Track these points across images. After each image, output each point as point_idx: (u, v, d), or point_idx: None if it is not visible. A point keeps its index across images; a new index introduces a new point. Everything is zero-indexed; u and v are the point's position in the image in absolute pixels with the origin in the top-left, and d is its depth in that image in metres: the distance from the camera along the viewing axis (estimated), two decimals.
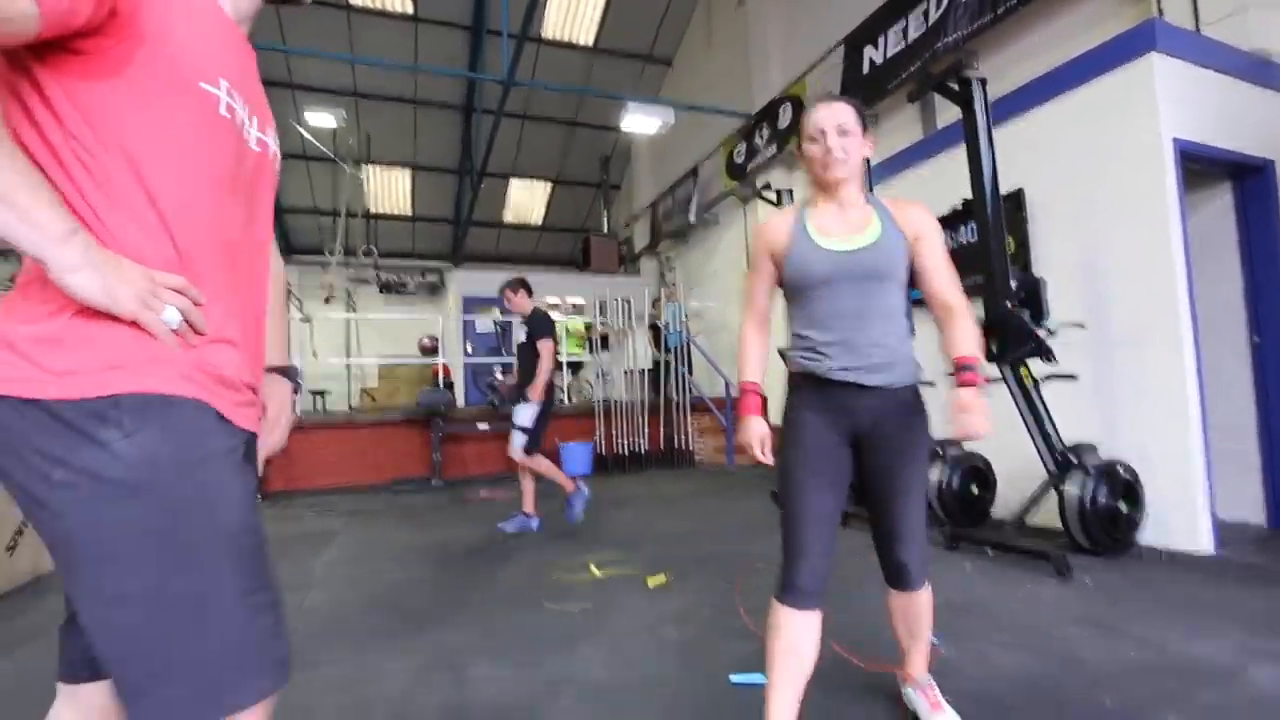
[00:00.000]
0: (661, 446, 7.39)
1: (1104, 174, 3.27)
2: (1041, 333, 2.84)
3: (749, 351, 1.48)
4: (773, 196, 4.87)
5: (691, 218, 9.70)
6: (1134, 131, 3.12)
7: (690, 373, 7.93)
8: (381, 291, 13.51)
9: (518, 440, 3.82)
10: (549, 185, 13.53)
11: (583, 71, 10.97)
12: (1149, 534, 2.96)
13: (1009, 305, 2.89)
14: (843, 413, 1.36)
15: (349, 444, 6.33)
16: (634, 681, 1.82)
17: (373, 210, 12.44)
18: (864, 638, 1.99)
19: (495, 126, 8.43)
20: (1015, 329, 2.85)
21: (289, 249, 13.06)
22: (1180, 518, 2.90)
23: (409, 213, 13.38)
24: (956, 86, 3.05)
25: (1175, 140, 3.02)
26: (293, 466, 6.05)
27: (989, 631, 2.04)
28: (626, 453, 7.10)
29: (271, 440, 0.97)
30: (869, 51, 6.10)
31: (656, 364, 8.08)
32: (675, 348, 7.88)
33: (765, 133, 7.89)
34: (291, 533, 4.20)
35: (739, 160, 8.52)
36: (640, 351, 8.49)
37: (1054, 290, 3.42)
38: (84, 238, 0.64)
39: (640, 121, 7.79)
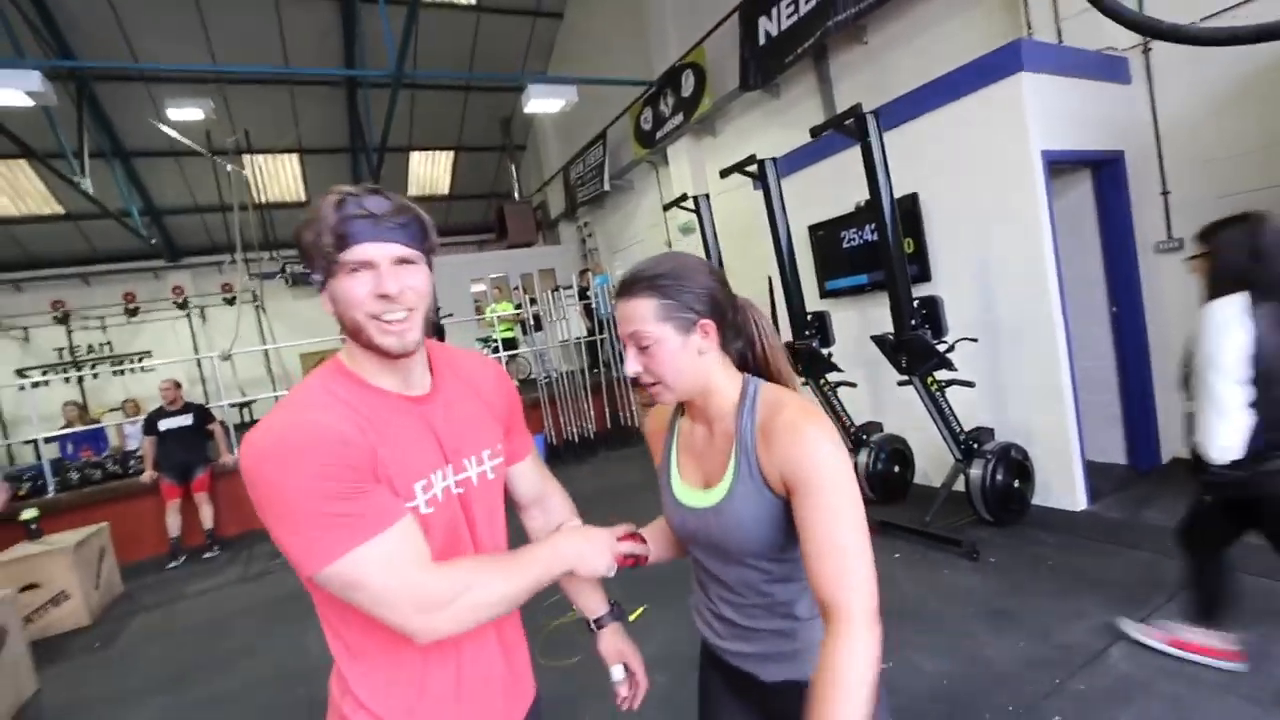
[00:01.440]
0: (608, 424, 7.68)
1: (985, 180, 3.61)
2: (941, 347, 3.23)
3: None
4: (690, 205, 4.98)
5: (605, 185, 9.63)
6: (1008, 143, 3.45)
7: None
8: (289, 285, 12.83)
9: None
10: (451, 154, 12.93)
11: (469, 33, 10.35)
12: (1037, 497, 3.53)
13: (912, 324, 3.26)
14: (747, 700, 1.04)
15: None
16: None
17: (264, 200, 11.58)
18: None
19: (391, 106, 7.95)
20: (919, 348, 3.23)
21: (174, 253, 12.06)
22: (1060, 480, 3.48)
23: (303, 198, 12.53)
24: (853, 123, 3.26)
25: (1044, 152, 3.37)
26: (240, 508, 5.98)
27: (916, 635, 2.48)
28: (576, 439, 7.35)
29: None
30: (764, 23, 6.13)
31: (592, 338, 8.24)
32: (606, 320, 8.02)
33: (670, 100, 7.85)
34: (282, 594, 4.24)
35: (646, 127, 8.47)
36: (574, 325, 8.59)
37: (951, 288, 3.84)
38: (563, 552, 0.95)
39: (543, 104, 7.56)
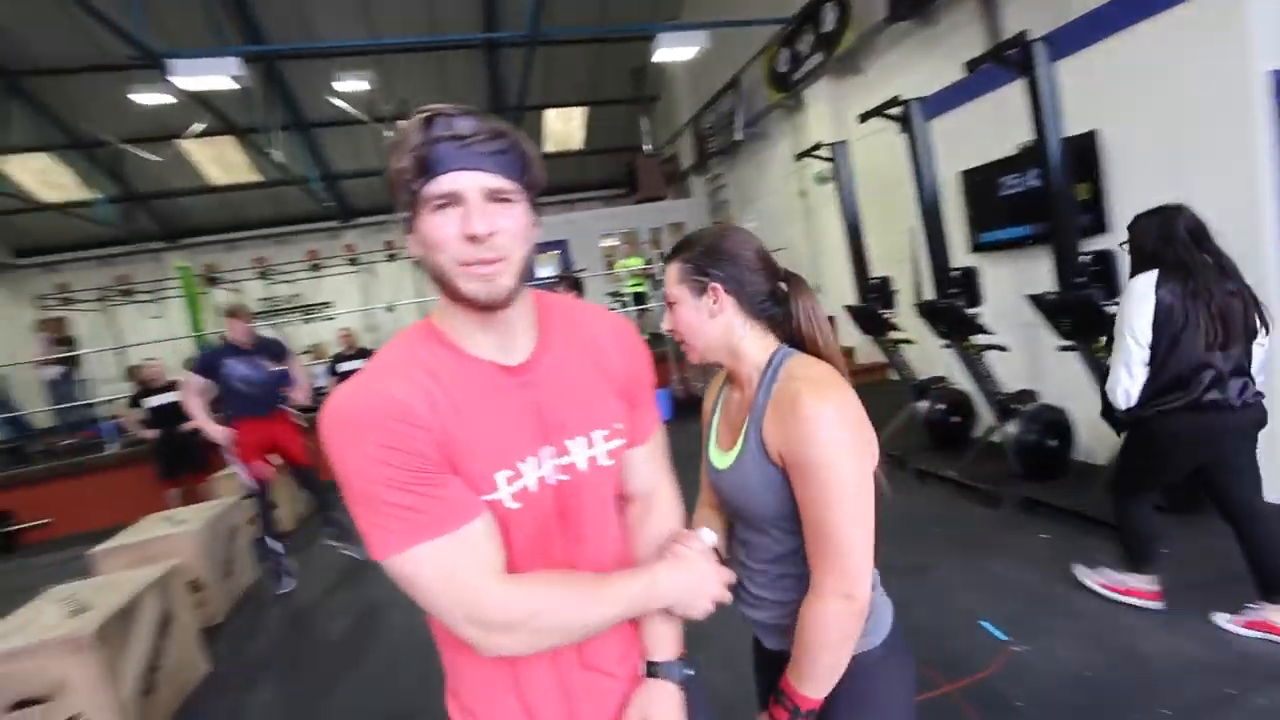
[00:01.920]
0: None
1: (1186, 111, 3.03)
2: (1113, 309, 2.83)
3: None
4: (824, 154, 4.68)
5: (737, 134, 9.31)
6: (1220, 63, 2.86)
7: None
8: None
9: None
10: (584, 109, 13.11)
11: None
12: None
13: (1078, 282, 2.88)
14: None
15: None
16: None
17: None
18: (941, 647, 2.29)
19: (528, 65, 8.19)
20: (1085, 310, 2.85)
21: (347, 214, 13.50)
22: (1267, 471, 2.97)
23: None
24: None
25: (1274, 73, 2.76)
26: None
27: (1065, 623, 2.28)
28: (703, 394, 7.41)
29: None
30: None
31: None
32: None
33: (808, 38, 7.34)
34: None
35: (782, 69, 8.01)
36: None
37: None
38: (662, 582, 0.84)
39: (674, 52, 7.39)
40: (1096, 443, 3.59)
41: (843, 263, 5.31)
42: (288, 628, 3.37)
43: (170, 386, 5.64)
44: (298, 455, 3.93)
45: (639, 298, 9.44)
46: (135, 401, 5.68)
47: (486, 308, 0.71)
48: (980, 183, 4.25)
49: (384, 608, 3.32)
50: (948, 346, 3.94)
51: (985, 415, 4.09)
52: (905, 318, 4.60)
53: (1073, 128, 3.36)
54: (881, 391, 5.75)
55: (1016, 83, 3.28)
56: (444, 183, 0.66)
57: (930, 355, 4.92)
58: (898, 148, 4.31)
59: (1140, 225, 2.18)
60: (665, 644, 0.88)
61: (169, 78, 6.11)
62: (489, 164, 0.68)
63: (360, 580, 3.79)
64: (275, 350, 3.87)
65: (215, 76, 6.16)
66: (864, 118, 4.18)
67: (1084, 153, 3.43)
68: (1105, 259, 2.96)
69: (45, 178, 10.67)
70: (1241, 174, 2.86)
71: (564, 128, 13.49)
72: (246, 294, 13.08)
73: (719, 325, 0.96)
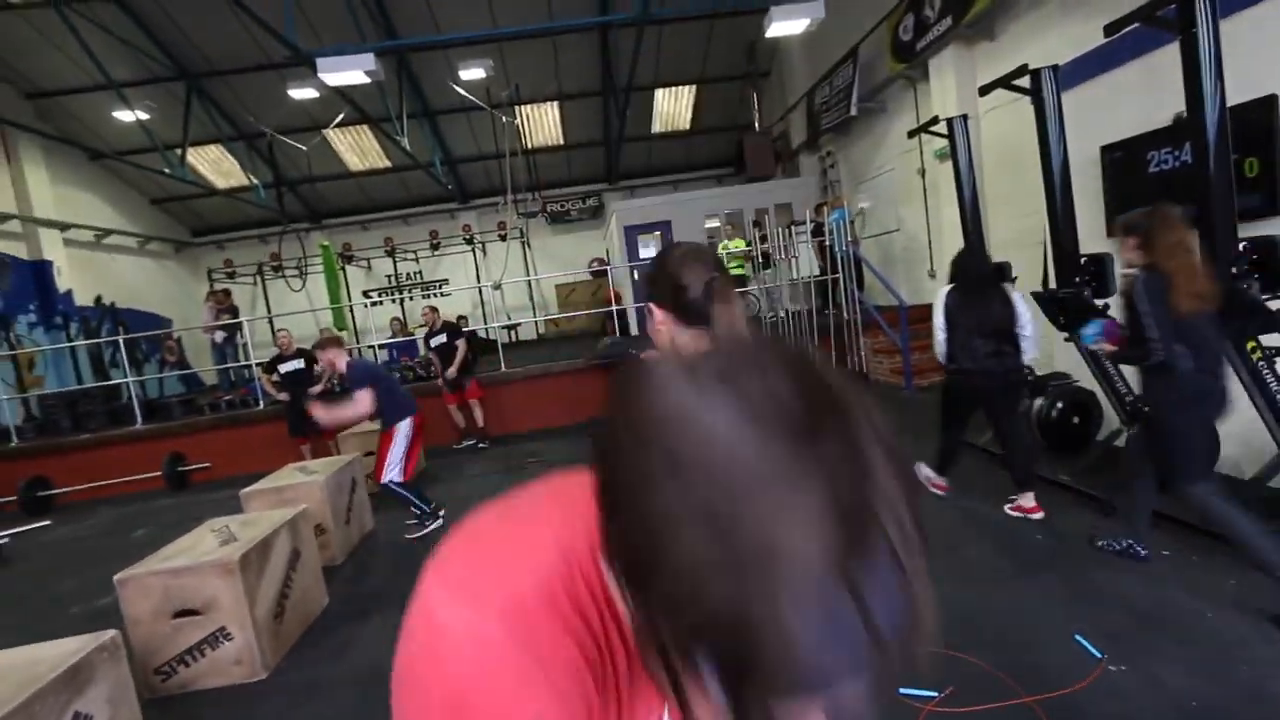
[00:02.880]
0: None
1: None
2: (1275, 304, 2.46)
3: None
4: (942, 130, 4.36)
5: (852, 109, 8.85)
6: None
7: (860, 288, 7.65)
8: (549, 223, 14.46)
9: None
10: (693, 88, 12.97)
11: None
12: None
13: (1234, 272, 2.52)
14: None
15: (547, 390, 7.30)
16: None
17: (529, 146, 13.04)
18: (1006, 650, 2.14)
19: (638, 45, 8.24)
20: (1238, 303, 2.49)
21: (464, 196, 14.31)
22: None
23: (561, 142, 13.77)
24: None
25: None
26: (504, 413, 7.21)
27: (1172, 646, 2.08)
28: None
29: None
30: None
31: (824, 277, 7.89)
32: (841, 260, 7.57)
33: (936, 2, 6.80)
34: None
35: (906, 37, 7.50)
36: (805, 263, 8.23)
37: None
38: None
39: (787, 25, 7.13)
40: (1242, 455, 3.15)
41: (959, 246, 4.95)
42: (396, 570, 3.73)
43: (297, 355, 6.47)
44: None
45: (739, 280, 9.31)
46: (270, 367, 6.55)
47: None
48: (1123, 159, 3.80)
49: None
50: (1069, 340, 3.59)
51: (1111, 418, 3.70)
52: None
53: (1245, 93, 2.94)
54: None
55: (1170, 47, 2.90)
56: None
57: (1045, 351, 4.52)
58: (1031, 121, 3.94)
59: (958, 261, 3.40)
60: None
61: (319, 74, 6.75)
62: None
63: None
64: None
65: (354, 72, 6.73)
66: (984, 90, 3.86)
67: (1257, 122, 2.98)
68: (1271, 247, 2.56)
69: (218, 167, 12.21)
70: None
71: (672, 107, 13.44)
72: (376, 271, 14.31)
73: (664, 334, 1.15)
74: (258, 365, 7.20)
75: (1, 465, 6.84)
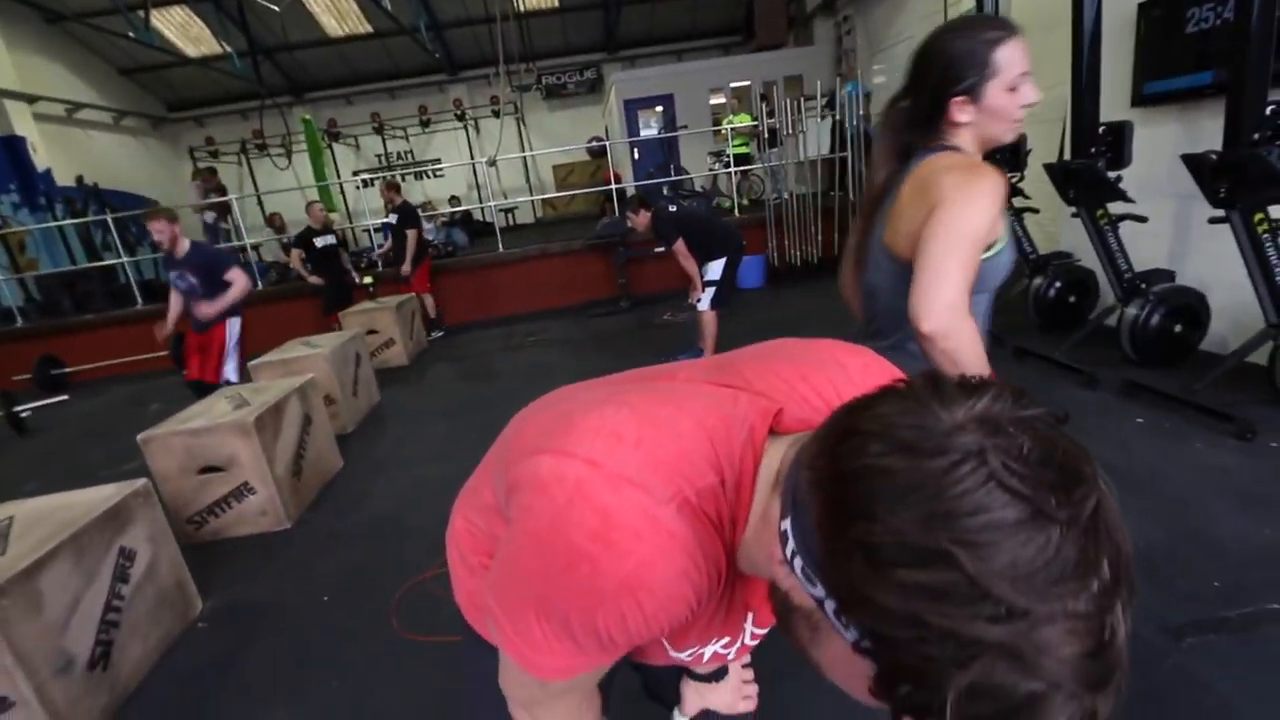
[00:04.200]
0: (835, 253, 7.31)
1: None
2: None
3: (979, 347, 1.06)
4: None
5: None
6: None
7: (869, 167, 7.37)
8: (545, 98, 13.67)
9: (706, 296, 4.23)
10: None
11: None
12: None
13: (1256, 138, 2.42)
14: None
15: (544, 271, 7.25)
16: None
17: (522, 8, 12.03)
18: None
19: None
20: (1255, 172, 2.42)
21: (453, 66, 13.41)
22: None
23: (556, 3, 12.69)
24: None
25: None
26: (503, 293, 7.22)
27: (1136, 501, 2.22)
28: (799, 263, 7.19)
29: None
30: None
31: (832, 155, 7.58)
32: (852, 137, 7.23)
33: None
34: (532, 363, 5.27)
35: None
36: (814, 143, 7.86)
37: None
38: None
39: None
40: (1231, 333, 3.20)
41: None
42: (403, 439, 3.92)
43: (327, 231, 6.26)
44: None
45: (742, 159, 8.93)
46: (304, 242, 6.16)
47: None
48: (1162, 18, 3.53)
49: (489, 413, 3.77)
50: (1077, 215, 3.52)
51: (1108, 296, 3.71)
52: (1035, 184, 4.11)
53: None
54: None
55: None
56: None
57: (1047, 231, 4.45)
58: None
59: None
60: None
61: None
62: None
63: (473, 400, 4.29)
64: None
65: None
66: None
67: None
68: None
69: (186, 32, 11.31)
70: None
71: None
72: (364, 149, 13.72)
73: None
74: (289, 240, 6.97)
75: (10, 346, 6.95)
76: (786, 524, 0.39)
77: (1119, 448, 2.60)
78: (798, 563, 0.38)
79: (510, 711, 0.65)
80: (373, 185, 13.06)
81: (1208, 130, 3.18)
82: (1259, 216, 2.56)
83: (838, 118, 7.42)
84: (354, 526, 2.90)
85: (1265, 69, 2.50)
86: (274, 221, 9.65)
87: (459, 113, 13.32)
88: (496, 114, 13.17)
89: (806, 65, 9.97)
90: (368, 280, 6.36)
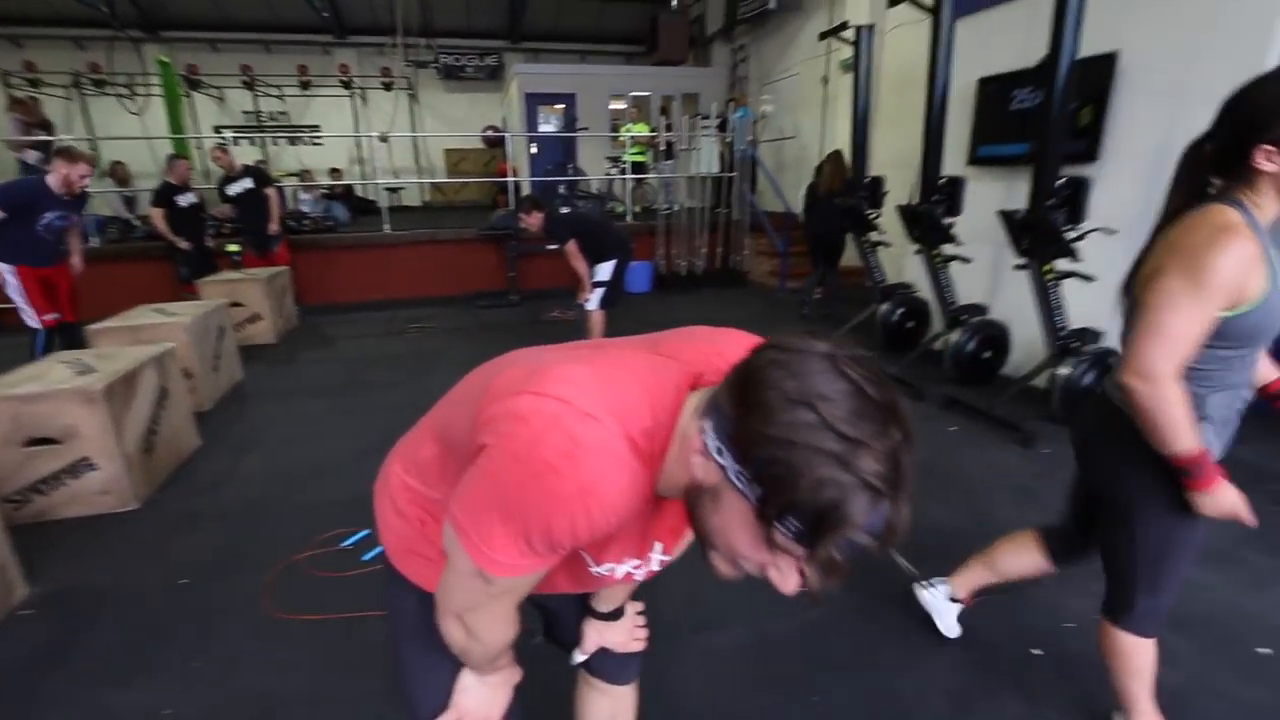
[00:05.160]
0: (718, 265, 7.79)
1: (1204, 51, 3.03)
2: (1073, 235, 3.00)
3: (1182, 410, 1.10)
4: (849, 37, 4.49)
5: (771, 1, 8.70)
6: (1250, 8, 2.83)
7: (753, 190, 7.93)
8: (441, 77, 13.18)
9: (595, 297, 4.39)
10: None
11: None
12: None
13: (1049, 204, 3.02)
14: None
15: (433, 257, 7.06)
16: None
17: None
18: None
19: None
20: (1044, 231, 3.02)
21: (342, 29, 12.56)
22: None
23: None
24: None
25: None
26: (387, 276, 6.93)
27: (943, 491, 2.70)
28: (685, 272, 7.57)
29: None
30: None
31: (721, 175, 8.06)
32: (739, 160, 7.75)
33: None
34: (415, 350, 5.13)
35: None
36: (706, 159, 8.31)
37: (1120, 172, 3.42)
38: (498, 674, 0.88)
39: None
40: (1026, 361, 3.91)
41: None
42: (269, 418, 3.71)
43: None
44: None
45: (638, 168, 9.24)
46: (161, 202, 5.47)
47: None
48: (993, 93, 4.20)
49: (370, 396, 3.67)
50: (919, 253, 4.10)
51: (938, 323, 4.35)
52: (890, 221, 4.71)
53: (1097, 46, 3.33)
54: (859, 292, 5.96)
55: None
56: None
57: (899, 261, 5.09)
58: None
59: None
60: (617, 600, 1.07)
61: None
62: None
63: (353, 383, 4.13)
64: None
65: None
66: (893, 2, 4.02)
67: (1099, 75, 3.42)
68: (1078, 186, 3.07)
69: None
70: None
71: None
72: (230, 103, 12.45)
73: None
74: (137, 195, 6.14)
75: None
76: (706, 422, 0.56)
77: (936, 450, 3.11)
78: (711, 441, 0.55)
79: (440, 624, 0.75)
80: (238, 144, 11.91)
81: (1022, 192, 3.87)
82: (1047, 267, 3.18)
83: (728, 140, 7.91)
84: (216, 507, 2.74)
85: (1059, 147, 3.10)
86: (116, 173, 8.53)
87: (345, 80, 12.48)
88: (388, 87, 12.52)
89: (704, 85, 10.48)
90: (232, 248, 5.85)
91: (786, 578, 0.54)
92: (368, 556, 2.33)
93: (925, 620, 1.92)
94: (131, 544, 2.48)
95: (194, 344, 3.69)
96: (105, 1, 10.10)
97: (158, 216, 5.48)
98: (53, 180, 3.72)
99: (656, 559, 0.82)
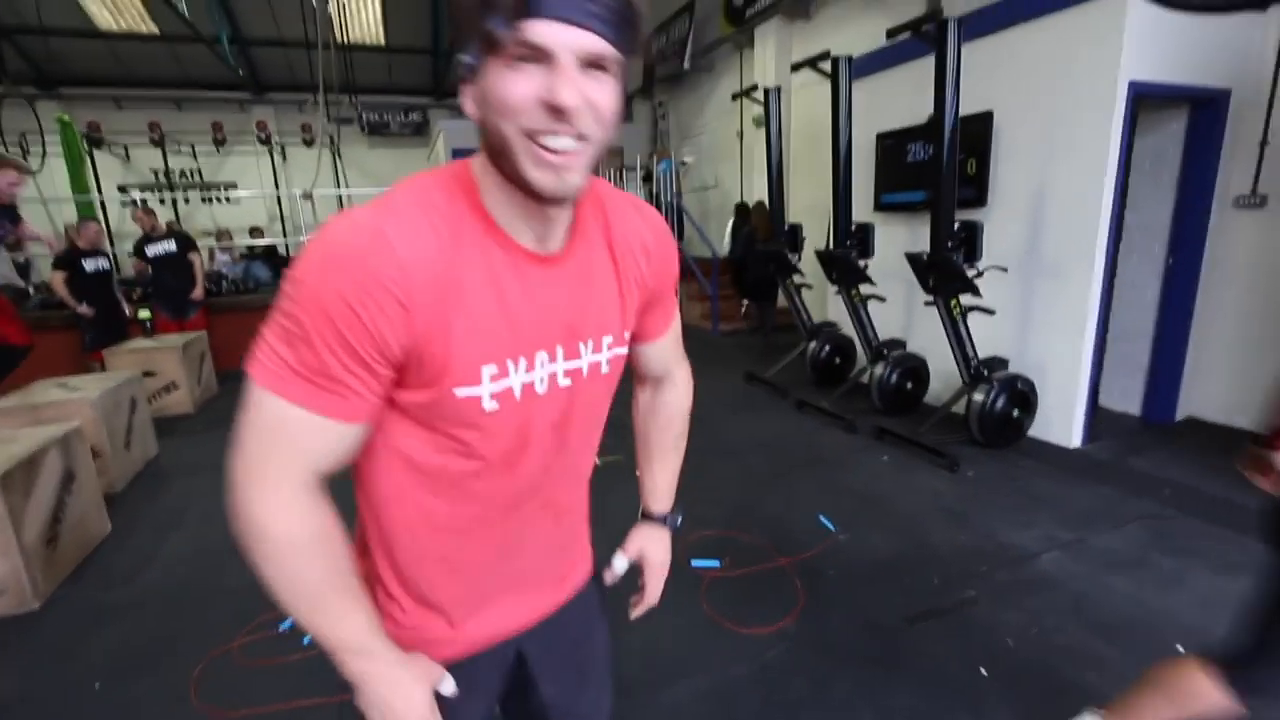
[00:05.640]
0: None
1: (1062, 106, 3.46)
2: (971, 272, 3.31)
3: None
4: (759, 98, 4.84)
5: (686, 63, 9.22)
6: (1093, 69, 3.27)
7: (680, 236, 8.24)
8: (366, 133, 13.12)
9: None
10: None
11: None
12: (1037, 429, 3.70)
13: (949, 246, 3.32)
14: None
15: None
16: None
17: (345, 40, 11.57)
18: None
19: None
20: (947, 270, 3.31)
21: (260, 87, 12.35)
22: (1061, 416, 3.63)
23: (383, 43, 12.42)
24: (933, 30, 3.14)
25: (1132, 84, 3.19)
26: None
27: (881, 519, 2.83)
28: None
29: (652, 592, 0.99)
30: None
31: None
32: (666, 209, 8.07)
33: None
34: None
35: (738, 2, 7.95)
36: None
37: (1004, 215, 3.81)
38: (363, 664, 0.68)
39: None
40: (944, 390, 4.19)
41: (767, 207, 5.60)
42: (187, 496, 3.47)
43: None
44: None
45: None
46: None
47: (547, 201, 0.60)
48: (891, 147, 4.60)
49: None
50: (839, 293, 4.37)
51: (862, 358, 4.62)
52: (809, 265, 5.01)
53: (974, 106, 3.74)
54: (787, 332, 6.23)
55: (932, 58, 3.58)
56: (536, 31, 0.52)
57: (823, 301, 5.40)
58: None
59: None
60: (663, 498, 1.00)
61: None
62: (596, 21, 0.53)
63: None
64: None
65: None
66: (795, 68, 4.39)
67: (979, 131, 3.83)
68: (972, 229, 3.40)
69: None
70: (1093, 166, 3.34)
71: None
72: (136, 161, 11.92)
73: None
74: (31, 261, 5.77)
75: None
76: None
77: (872, 479, 3.27)
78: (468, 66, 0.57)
79: (230, 499, 0.62)
80: (146, 203, 11.35)
81: (924, 234, 4.22)
82: (954, 302, 3.47)
83: (654, 191, 8.23)
84: (132, 598, 2.53)
85: (952, 195, 3.43)
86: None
87: (263, 136, 12.22)
88: (309, 143, 12.33)
89: (628, 140, 10.88)
90: (144, 314, 5.53)
91: (560, 87, 0.53)
92: (308, 639, 2.21)
93: (876, 652, 2.00)
94: (31, 651, 2.25)
95: (103, 420, 3.44)
96: None
97: (58, 281, 5.12)
98: None
99: (587, 362, 0.71)
